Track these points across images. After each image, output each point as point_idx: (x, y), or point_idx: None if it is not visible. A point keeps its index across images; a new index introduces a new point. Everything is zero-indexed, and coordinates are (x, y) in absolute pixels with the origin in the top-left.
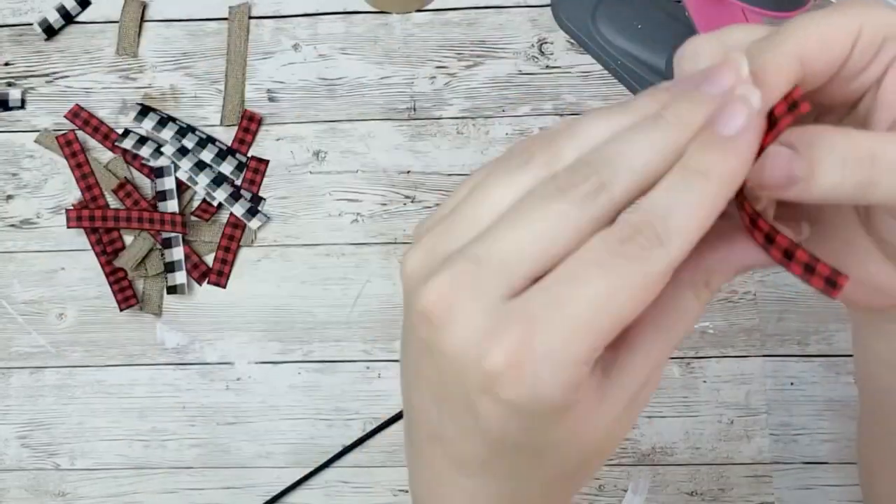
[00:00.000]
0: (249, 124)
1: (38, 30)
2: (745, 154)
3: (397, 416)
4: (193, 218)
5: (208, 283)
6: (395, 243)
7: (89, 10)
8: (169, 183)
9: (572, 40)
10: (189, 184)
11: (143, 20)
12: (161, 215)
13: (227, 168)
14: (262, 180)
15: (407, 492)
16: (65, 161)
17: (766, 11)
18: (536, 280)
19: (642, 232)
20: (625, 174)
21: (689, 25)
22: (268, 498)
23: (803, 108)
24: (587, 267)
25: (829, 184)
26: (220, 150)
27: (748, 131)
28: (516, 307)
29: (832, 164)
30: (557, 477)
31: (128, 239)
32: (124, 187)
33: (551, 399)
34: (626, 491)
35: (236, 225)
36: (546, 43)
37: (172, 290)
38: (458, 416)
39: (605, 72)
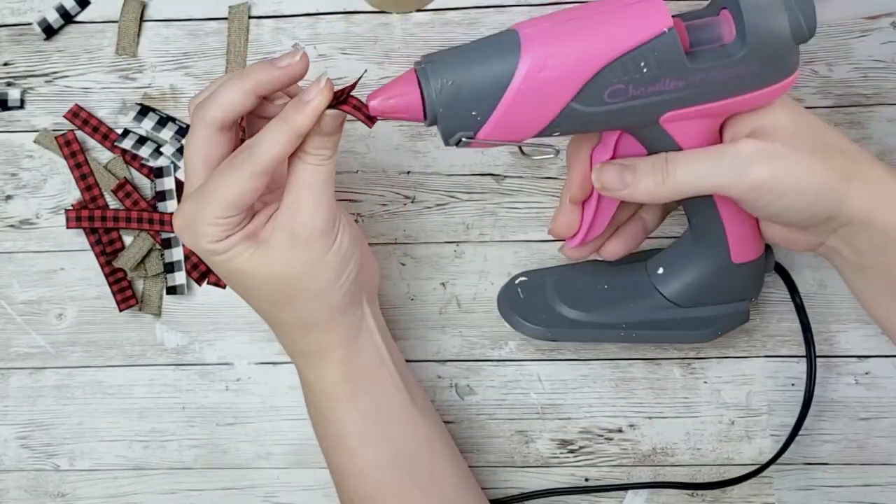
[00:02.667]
0: None
1: (38, 29)
2: (310, 111)
3: None
4: None
5: (208, 283)
6: (395, 243)
7: (89, 9)
8: (168, 183)
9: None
10: None
11: (142, 20)
12: (161, 215)
13: None
14: None
15: None
16: (64, 161)
17: (767, 89)
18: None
19: (242, 152)
20: (211, 108)
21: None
22: (268, 498)
23: (351, 100)
24: (217, 174)
25: (644, 187)
26: None
27: (312, 102)
28: (187, 202)
29: (645, 174)
30: (278, 302)
31: (127, 239)
32: (124, 187)
33: (203, 246)
34: (626, 492)
35: None
36: None
37: (172, 290)
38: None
39: None
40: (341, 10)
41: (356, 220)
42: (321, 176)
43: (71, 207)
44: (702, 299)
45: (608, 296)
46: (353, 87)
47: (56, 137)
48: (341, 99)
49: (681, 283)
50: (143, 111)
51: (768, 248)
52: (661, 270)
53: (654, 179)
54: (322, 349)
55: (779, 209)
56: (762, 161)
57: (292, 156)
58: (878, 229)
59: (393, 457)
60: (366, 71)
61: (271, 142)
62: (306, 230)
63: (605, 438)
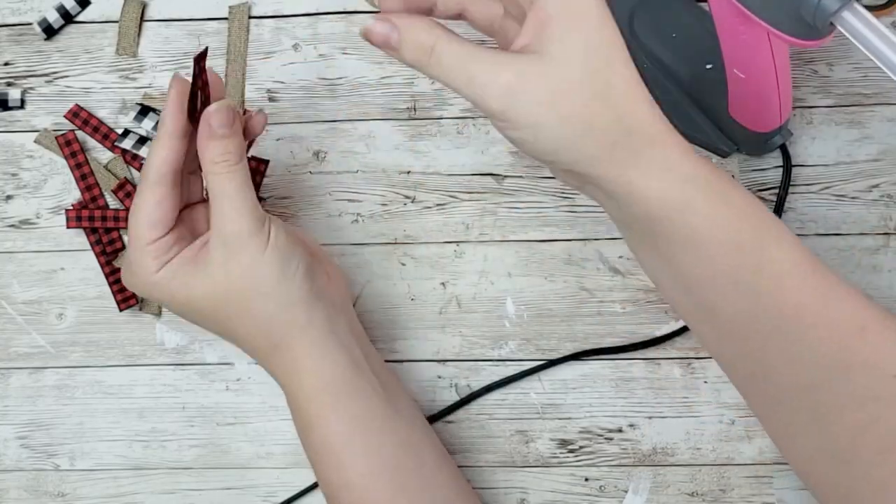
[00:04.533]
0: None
1: (38, 29)
2: (168, 107)
3: None
4: None
5: None
6: (395, 244)
7: (89, 9)
8: None
9: None
10: None
11: (142, 20)
12: None
13: None
14: (261, 180)
15: None
16: (64, 161)
17: (791, 38)
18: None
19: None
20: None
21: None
22: (268, 498)
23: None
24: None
25: (409, 59)
26: None
27: (169, 98)
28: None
29: (408, 48)
30: (234, 317)
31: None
32: (124, 187)
33: (149, 280)
34: (626, 492)
35: None
36: None
37: None
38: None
39: None
40: (341, 10)
41: (356, 221)
42: (235, 182)
43: (71, 207)
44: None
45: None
46: (202, 69)
47: (56, 137)
48: (197, 84)
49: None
50: (144, 111)
51: (778, 132)
52: (709, 66)
53: (417, 54)
54: (292, 360)
55: (516, 142)
56: (507, 95)
57: (205, 173)
58: (640, 205)
59: (379, 465)
60: (207, 47)
61: (154, 150)
62: (234, 237)
63: (605, 438)
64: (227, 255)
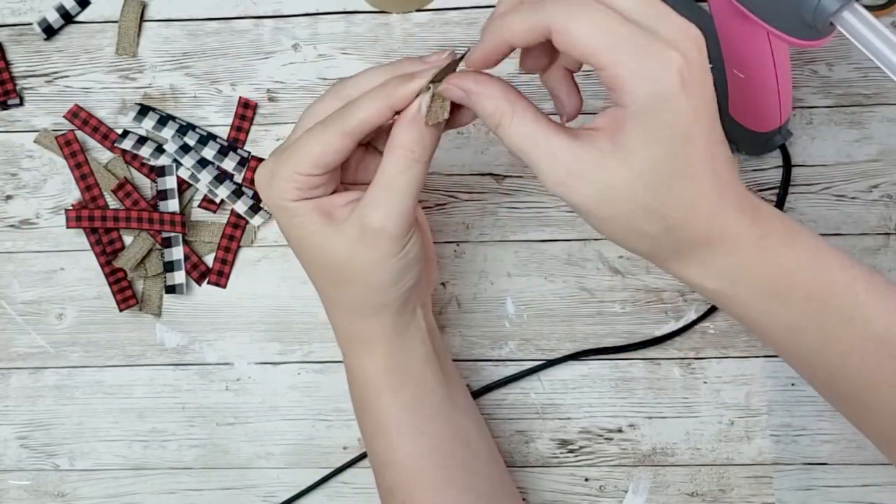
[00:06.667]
0: (245, 111)
1: (38, 29)
2: (413, 85)
3: None
4: (194, 217)
5: (208, 283)
6: None
7: (89, 9)
8: (170, 182)
9: None
10: (191, 181)
11: (142, 20)
12: (160, 215)
13: (229, 164)
14: None
15: None
16: (64, 161)
17: (791, 38)
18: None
19: (335, 114)
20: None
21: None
22: (268, 498)
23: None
24: (306, 132)
25: (486, 121)
26: (222, 146)
27: (418, 76)
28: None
29: (486, 112)
30: (334, 282)
31: (127, 239)
32: (124, 187)
33: (276, 202)
34: (626, 492)
35: (236, 225)
36: None
37: (171, 289)
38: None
39: None
40: (341, 10)
41: None
42: (407, 178)
43: (71, 207)
44: None
45: None
46: (452, 68)
47: (56, 137)
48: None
49: None
50: (143, 111)
51: (778, 132)
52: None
53: (487, 122)
54: (367, 339)
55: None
56: (561, 184)
57: (388, 153)
58: (703, 293)
59: (430, 450)
60: (468, 49)
61: (365, 105)
62: (375, 232)
63: (605, 438)
64: (360, 237)
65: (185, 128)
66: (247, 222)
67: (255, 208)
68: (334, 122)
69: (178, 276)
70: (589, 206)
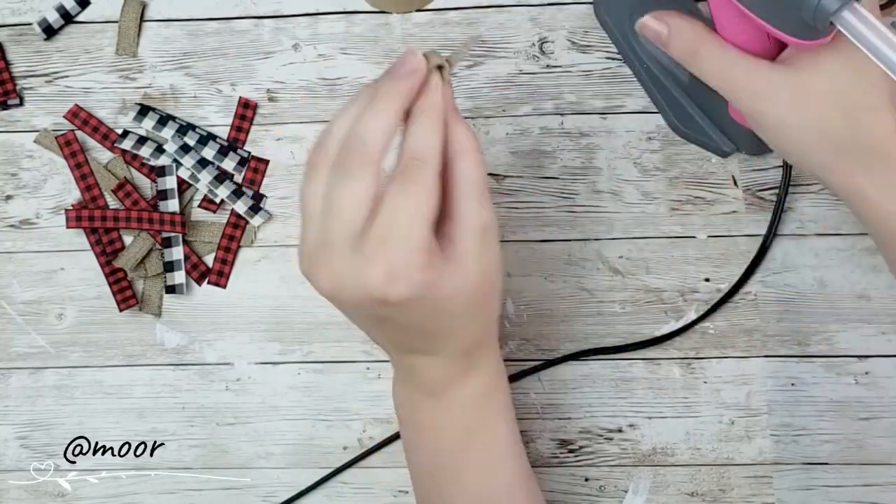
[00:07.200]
0: (245, 111)
1: (38, 29)
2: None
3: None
4: (194, 217)
5: (208, 283)
6: None
7: (89, 9)
8: (170, 182)
9: (608, 39)
10: (191, 181)
11: (142, 20)
12: (161, 215)
13: (229, 164)
14: (262, 180)
15: (407, 493)
16: (64, 161)
17: (791, 38)
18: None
19: (411, 163)
20: (373, 139)
21: None
22: (268, 498)
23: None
24: (394, 197)
25: (675, 53)
26: (222, 146)
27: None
28: (366, 244)
29: (676, 44)
30: (471, 314)
31: (127, 239)
32: (124, 187)
33: (417, 284)
34: (626, 492)
35: (236, 225)
36: (547, 42)
37: (171, 289)
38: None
39: (607, 71)
40: (341, 10)
41: None
42: (483, 168)
43: (71, 207)
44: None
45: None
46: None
47: (56, 137)
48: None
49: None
50: (143, 111)
51: None
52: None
53: (683, 54)
54: (480, 363)
55: (767, 143)
56: (757, 100)
57: (454, 156)
58: (871, 216)
59: (524, 473)
60: (479, 35)
61: (426, 131)
62: (489, 227)
63: (605, 438)
64: (483, 245)
65: (185, 128)
66: (247, 222)
67: (255, 208)
68: (419, 174)
69: (178, 276)
70: (781, 114)
